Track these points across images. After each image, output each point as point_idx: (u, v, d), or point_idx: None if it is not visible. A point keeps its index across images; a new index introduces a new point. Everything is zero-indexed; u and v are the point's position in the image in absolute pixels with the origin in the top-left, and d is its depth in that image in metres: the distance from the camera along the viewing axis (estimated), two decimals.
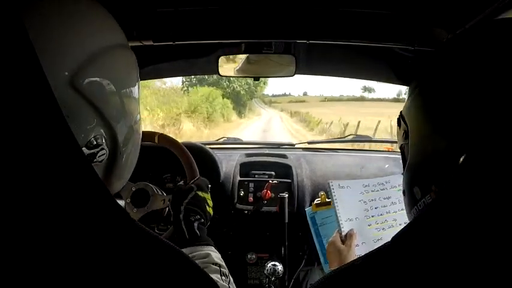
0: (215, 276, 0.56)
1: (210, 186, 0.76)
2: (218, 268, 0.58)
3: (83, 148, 0.36)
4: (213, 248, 0.63)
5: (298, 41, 0.88)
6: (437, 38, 0.76)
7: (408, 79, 1.09)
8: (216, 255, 0.61)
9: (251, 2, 0.76)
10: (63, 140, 0.25)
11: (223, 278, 0.57)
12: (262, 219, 1.14)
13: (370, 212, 0.87)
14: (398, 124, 0.44)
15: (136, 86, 0.45)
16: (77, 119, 0.36)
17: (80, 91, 0.35)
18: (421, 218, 0.32)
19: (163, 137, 0.81)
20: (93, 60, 0.36)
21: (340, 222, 0.85)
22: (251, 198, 1.15)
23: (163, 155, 0.90)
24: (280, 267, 1.04)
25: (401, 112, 0.43)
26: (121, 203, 0.80)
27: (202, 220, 0.68)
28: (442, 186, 0.34)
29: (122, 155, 0.43)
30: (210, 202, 0.73)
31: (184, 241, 0.63)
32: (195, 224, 0.65)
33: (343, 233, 0.83)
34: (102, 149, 0.38)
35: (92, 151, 0.37)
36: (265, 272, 1.04)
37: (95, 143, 0.38)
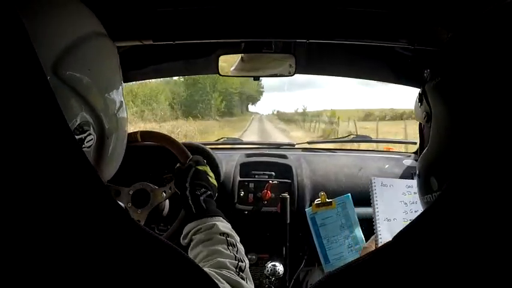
0: (221, 247, 0.56)
1: (205, 161, 0.77)
2: (224, 238, 0.59)
3: None
4: (220, 218, 0.64)
5: (298, 41, 0.88)
6: (437, 37, 0.76)
7: (408, 79, 1.09)
8: (222, 225, 0.62)
9: (251, 2, 0.76)
10: (58, 126, 0.25)
11: (230, 248, 0.57)
12: (262, 219, 1.14)
13: (408, 215, 0.83)
14: (420, 101, 0.41)
15: (117, 73, 0.46)
16: (63, 107, 0.37)
17: (63, 79, 0.36)
18: (423, 218, 0.31)
19: (144, 133, 0.81)
20: (74, 48, 0.37)
21: (378, 222, 0.81)
22: (251, 199, 1.15)
23: (162, 156, 0.90)
24: (280, 267, 1.03)
25: (424, 88, 0.40)
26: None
27: (209, 192, 0.69)
28: (450, 183, 0.33)
29: (110, 141, 0.44)
30: (211, 174, 0.75)
31: (191, 216, 0.64)
32: (202, 198, 0.67)
33: (379, 233, 0.80)
34: (90, 134, 0.40)
35: (80, 136, 0.39)
36: (266, 272, 1.03)
37: (82, 129, 0.39)
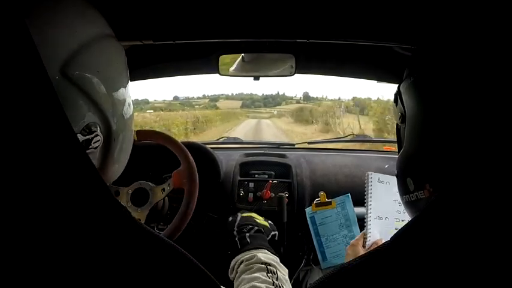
0: (259, 274, 0.58)
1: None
2: (264, 266, 0.61)
3: (78, 134, 0.38)
4: (262, 250, 0.67)
5: (298, 41, 0.88)
6: (437, 38, 0.76)
7: None
8: (263, 256, 0.64)
9: (251, 2, 0.76)
10: (61, 128, 0.25)
11: (269, 274, 0.59)
12: None
13: (401, 215, 0.82)
14: (395, 101, 0.42)
15: (125, 73, 0.46)
16: (71, 108, 0.37)
17: (71, 80, 0.36)
18: (421, 218, 0.31)
19: (142, 132, 0.81)
20: (83, 50, 0.37)
21: (369, 220, 0.81)
22: (251, 198, 1.15)
23: (162, 155, 0.90)
24: None
25: (399, 88, 0.41)
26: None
27: (256, 228, 0.73)
28: (438, 186, 0.34)
29: (117, 142, 0.44)
30: (259, 217, 0.80)
31: (236, 251, 0.68)
32: (248, 234, 0.71)
33: (369, 231, 0.79)
34: (97, 135, 0.40)
35: (87, 137, 0.39)
36: None
37: (89, 129, 0.39)
